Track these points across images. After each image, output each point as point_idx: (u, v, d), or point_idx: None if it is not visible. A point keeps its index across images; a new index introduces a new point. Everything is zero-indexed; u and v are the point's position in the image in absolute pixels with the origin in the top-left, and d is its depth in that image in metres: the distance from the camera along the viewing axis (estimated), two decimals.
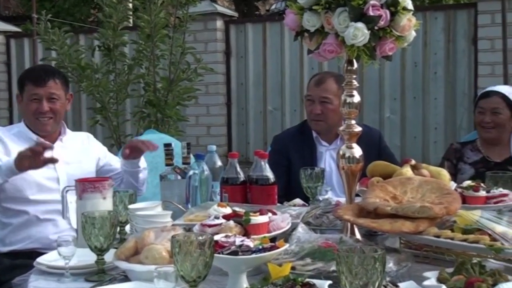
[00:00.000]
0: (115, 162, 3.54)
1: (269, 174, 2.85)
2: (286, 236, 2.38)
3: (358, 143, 3.86)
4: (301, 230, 2.34)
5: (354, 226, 2.50)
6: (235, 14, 8.91)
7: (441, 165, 3.66)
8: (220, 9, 8.50)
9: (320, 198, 3.19)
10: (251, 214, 2.33)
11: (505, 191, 2.75)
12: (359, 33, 2.30)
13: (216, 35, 8.30)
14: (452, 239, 2.17)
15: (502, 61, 6.84)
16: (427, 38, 7.51)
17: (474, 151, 3.92)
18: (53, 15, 6.77)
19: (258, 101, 8.40)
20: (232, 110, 8.49)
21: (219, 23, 8.35)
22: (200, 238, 1.87)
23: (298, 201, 3.29)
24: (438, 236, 2.20)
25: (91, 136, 3.67)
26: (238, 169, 2.89)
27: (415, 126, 7.65)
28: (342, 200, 3.13)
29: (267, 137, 8.28)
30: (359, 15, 2.32)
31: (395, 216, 2.26)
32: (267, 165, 2.86)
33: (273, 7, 20.62)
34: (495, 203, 2.71)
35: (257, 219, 2.31)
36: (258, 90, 8.38)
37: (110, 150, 3.75)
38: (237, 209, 2.48)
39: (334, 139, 3.91)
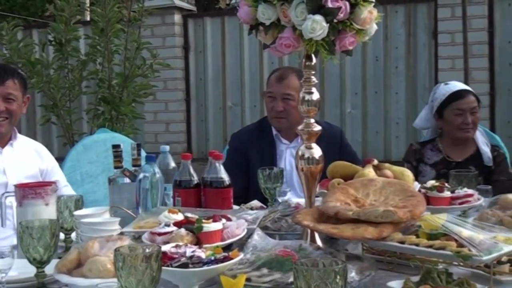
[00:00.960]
0: (62, 180, 3.37)
1: (224, 176, 2.69)
2: (242, 243, 2.23)
3: (318, 141, 3.74)
4: (257, 237, 2.19)
5: (315, 232, 2.37)
6: (193, 8, 8.72)
7: None
8: (178, 3, 8.30)
9: (279, 199, 3.07)
10: (203, 221, 2.17)
11: (470, 191, 2.64)
12: (317, 26, 2.15)
13: (174, 29, 8.11)
14: (417, 245, 2.04)
15: (462, 55, 6.78)
16: (388, 32, 7.42)
17: (434, 151, 3.80)
18: (6, 9, 6.52)
19: (217, 97, 8.25)
20: (191, 106, 8.32)
21: (177, 17, 8.17)
22: (147, 250, 1.72)
23: (255, 203, 3.14)
24: (402, 242, 2.07)
25: (45, 148, 3.51)
26: (192, 171, 2.73)
27: (376, 121, 7.57)
28: (303, 201, 3.00)
29: (226, 134, 8.14)
30: (318, 7, 2.17)
31: (357, 221, 2.13)
32: (222, 167, 2.70)
33: (233, 1, 20.48)
34: (460, 204, 2.59)
35: (210, 226, 2.16)
36: (217, 86, 8.23)
37: (62, 149, 3.58)
38: (189, 215, 2.33)
39: (295, 137, 3.78)
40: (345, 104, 7.57)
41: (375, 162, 2.63)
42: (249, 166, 3.71)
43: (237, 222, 2.26)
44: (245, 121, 8.03)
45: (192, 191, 2.70)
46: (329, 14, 2.17)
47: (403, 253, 2.14)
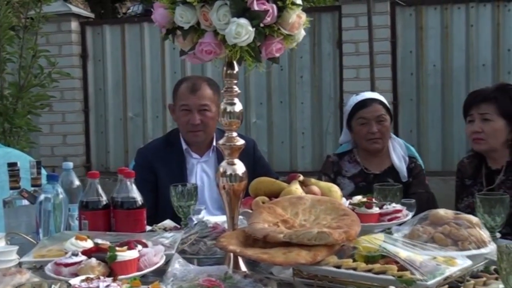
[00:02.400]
0: None
1: (137, 195, 2.45)
2: (160, 271, 2.00)
3: None
4: (178, 265, 1.96)
5: (238, 255, 2.16)
6: (91, 15, 8.35)
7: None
8: (75, 9, 7.93)
9: (194, 218, 2.85)
10: (117, 248, 1.93)
11: (399, 207, 2.50)
12: (242, 30, 1.96)
13: (71, 37, 7.74)
14: (355, 269, 1.87)
15: (367, 65, 6.77)
16: None
17: (352, 163, 3.66)
18: None
19: (117, 107, 7.92)
20: (90, 117, 7.95)
21: (74, 25, 7.79)
22: (53, 286, 1.47)
23: (169, 223, 2.93)
24: (338, 267, 1.90)
25: None
26: (100, 190, 2.47)
27: (282, 131, 7.46)
28: (218, 219, 2.80)
29: (128, 146, 7.85)
30: (242, 10, 1.98)
31: (288, 244, 1.94)
32: (133, 186, 2.46)
33: (130, 10, 20.05)
34: (389, 220, 2.45)
35: (125, 254, 1.91)
36: (118, 96, 7.90)
37: None
38: (99, 241, 2.08)
39: (206, 151, 3.58)
40: (250, 114, 7.42)
41: (301, 177, 2.45)
42: (158, 183, 3.48)
43: (154, 248, 2.03)
44: (147, 133, 7.76)
45: (101, 212, 2.44)
46: (255, 18, 1.98)
47: (337, 278, 1.96)
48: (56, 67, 5.57)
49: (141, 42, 7.76)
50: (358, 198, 2.52)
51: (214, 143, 3.56)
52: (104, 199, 2.46)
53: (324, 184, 2.48)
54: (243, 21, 1.96)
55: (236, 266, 2.16)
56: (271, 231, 1.98)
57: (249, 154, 3.61)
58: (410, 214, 2.52)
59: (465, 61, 6.88)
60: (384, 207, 2.49)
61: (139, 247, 2.00)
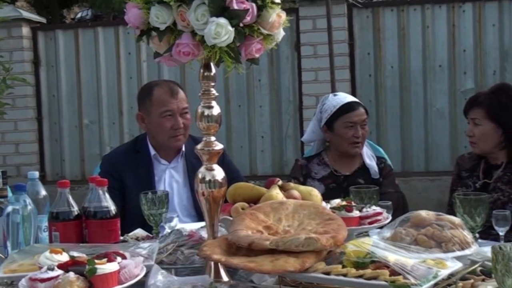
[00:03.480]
0: None
1: (110, 204, 2.36)
2: (141, 283, 1.91)
3: (199, 159, 3.48)
4: (161, 276, 1.88)
5: (219, 264, 2.09)
6: (43, 20, 8.15)
7: None
8: (26, 14, 7.73)
9: (166, 226, 2.76)
10: (96, 261, 1.83)
11: (378, 209, 2.46)
12: (222, 30, 1.88)
13: (23, 43, 7.53)
14: (345, 275, 1.82)
15: (326, 67, 6.74)
16: None
17: (321, 165, 3.62)
18: None
19: (72, 115, 7.73)
20: (44, 125, 7.74)
21: (26, 30, 7.59)
22: None
23: (140, 232, 2.83)
24: (328, 273, 1.84)
25: None
26: (71, 200, 2.36)
27: (241, 135, 7.39)
28: (191, 227, 2.72)
29: (84, 153, 7.69)
30: (221, 9, 1.91)
31: (275, 251, 1.87)
32: (106, 194, 2.36)
33: (78, 15, 19.78)
34: (370, 223, 2.41)
35: (105, 267, 1.82)
36: (72, 103, 7.71)
37: None
38: (75, 254, 1.98)
39: (174, 156, 3.49)
40: None
41: (280, 182, 2.38)
42: (125, 190, 3.37)
43: (134, 260, 1.94)
44: (104, 140, 7.61)
45: (72, 223, 2.33)
46: (234, 17, 1.91)
47: (324, 284, 1.90)
48: (9, 73, 5.40)
49: (96, 47, 7.61)
50: (337, 202, 2.47)
51: (183, 149, 3.48)
52: (75, 209, 2.36)
53: (304, 188, 2.43)
54: (223, 20, 1.89)
55: (217, 275, 2.09)
56: (256, 238, 1.91)
57: (218, 159, 3.54)
58: (390, 217, 2.48)
59: (422, 62, 6.93)
60: (364, 210, 2.45)
61: (119, 259, 1.90)
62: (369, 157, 3.61)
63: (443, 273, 1.82)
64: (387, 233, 2.29)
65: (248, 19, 1.93)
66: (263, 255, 1.88)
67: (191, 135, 3.61)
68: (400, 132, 7.02)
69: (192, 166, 3.44)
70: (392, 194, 3.44)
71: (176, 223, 2.76)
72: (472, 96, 3.37)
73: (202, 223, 2.89)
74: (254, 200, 2.30)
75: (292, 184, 2.42)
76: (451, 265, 1.88)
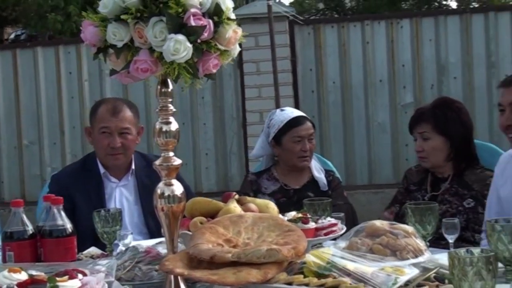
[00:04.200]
0: None
1: (66, 222, 2.34)
2: None
3: (151, 176, 3.48)
4: None
5: (179, 278, 2.10)
6: None
7: None
8: None
9: (120, 243, 2.76)
10: (57, 279, 1.82)
11: (333, 221, 2.51)
12: (181, 47, 1.90)
13: None
14: (307, 285, 1.85)
15: (269, 83, 6.81)
16: None
17: (271, 180, 3.67)
18: None
19: (11, 135, 7.60)
20: None
21: None
22: None
23: (95, 250, 2.81)
24: (290, 283, 1.87)
25: None
26: (25, 219, 2.33)
27: (185, 152, 7.35)
28: (146, 243, 2.73)
29: (23, 175, 7.57)
30: (179, 26, 1.93)
31: (237, 263, 1.89)
32: (62, 212, 2.35)
33: (12, 36, 19.44)
34: (325, 234, 2.45)
35: (66, 285, 1.81)
36: (11, 123, 7.58)
37: None
38: (34, 272, 1.95)
39: (124, 174, 3.48)
40: (152, 136, 7.28)
41: (236, 196, 2.41)
42: (75, 209, 3.34)
43: (96, 277, 1.93)
44: (45, 160, 7.50)
45: (27, 243, 2.31)
46: (192, 34, 1.93)
47: None
48: None
49: (35, 67, 7.51)
50: (293, 214, 2.51)
51: (133, 166, 3.48)
52: (30, 228, 2.33)
53: (261, 201, 2.46)
54: (181, 37, 1.91)
55: None
56: (218, 251, 1.93)
57: None
58: (344, 227, 2.53)
59: (363, 77, 7.06)
60: (319, 221, 2.49)
61: (80, 276, 1.89)
62: (317, 170, 3.67)
63: (402, 279, 1.87)
64: (343, 243, 2.33)
65: (205, 35, 1.96)
66: (225, 267, 1.89)
67: (141, 153, 3.62)
68: (344, 146, 7.13)
69: (142, 183, 3.45)
70: (341, 206, 3.50)
71: (130, 241, 2.75)
72: (416, 111, 3.45)
73: (157, 240, 2.92)
74: (211, 215, 2.32)
75: (248, 198, 2.45)
76: (409, 271, 1.94)
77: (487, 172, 3.24)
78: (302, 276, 1.89)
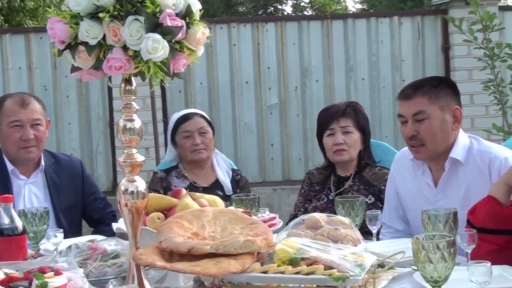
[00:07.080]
0: None
1: (16, 221, 2.29)
2: None
3: (60, 174, 3.43)
4: None
5: (142, 272, 2.14)
6: None
7: None
8: None
9: (50, 242, 2.72)
10: (45, 275, 1.81)
11: (272, 214, 2.65)
12: (159, 46, 1.96)
13: None
14: (283, 273, 1.97)
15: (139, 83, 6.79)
16: (56, 60, 7.09)
17: (180, 178, 3.73)
18: None
19: None
20: None
21: None
22: None
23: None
24: (265, 272, 1.98)
25: None
26: None
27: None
28: (76, 240, 2.73)
29: None
30: (155, 26, 1.99)
31: (214, 255, 1.98)
32: (12, 211, 2.30)
33: None
34: (268, 227, 2.57)
35: (55, 281, 1.82)
36: None
37: None
38: (7, 271, 1.92)
39: (33, 171, 3.40)
40: None
41: (184, 192, 2.48)
42: None
43: (75, 272, 1.93)
44: None
45: None
46: (168, 33, 2.00)
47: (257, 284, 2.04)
48: None
49: None
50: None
51: (43, 163, 3.41)
52: None
53: (209, 197, 2.54)
54: (158, 36, 1.97)
55: (141, 285, 2.14)
56: (196, 243, 2.01)
57: (77, 173, 3.56)
58: (281, 221, 2.67)
59: (230, 78, 7.23)
60: (259, 215, 2.61)
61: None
62: (223, 172, 3.76)
63: (367, 264, 2.03)
64: (285, 235, 2.48)
65: (180, 35, 2.02)
66: (204, 259, 1.97)
67: (49, 151, 3.57)
68: None
69: (52, 180, 3.41)
70: None
71: (61, 239, 2.72)
72: (332, 108, 3.60)
73: (86, 237, 2.92)
74: (165, 210, 2.37)
75: (197, 194, 2.52)
76: (369, 257, 2.11)
77: (384, 170, 3.49)
78: (276, 265, 2.00)
